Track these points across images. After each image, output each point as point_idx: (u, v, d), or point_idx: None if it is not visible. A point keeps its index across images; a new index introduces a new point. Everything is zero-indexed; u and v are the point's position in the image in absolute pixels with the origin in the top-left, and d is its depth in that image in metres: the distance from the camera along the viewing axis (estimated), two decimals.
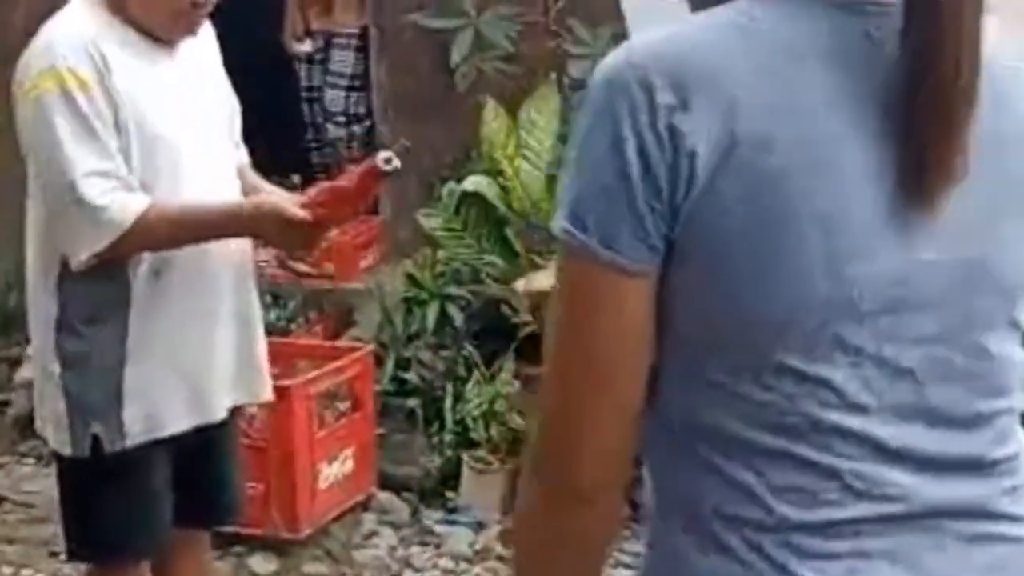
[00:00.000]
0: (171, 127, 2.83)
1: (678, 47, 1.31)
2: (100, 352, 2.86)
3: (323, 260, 5.25)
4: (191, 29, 2.87)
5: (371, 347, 4.78)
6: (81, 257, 2.77)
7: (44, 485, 4.73)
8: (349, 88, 6.00)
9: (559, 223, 1.33)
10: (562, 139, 4.96)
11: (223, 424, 3.04)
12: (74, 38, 2.75)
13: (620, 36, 5.27)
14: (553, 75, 5.10)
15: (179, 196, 2.85)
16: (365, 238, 5.55)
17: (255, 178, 3.13)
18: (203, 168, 2.90)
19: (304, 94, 6.23)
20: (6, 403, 5.42)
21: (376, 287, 5.26)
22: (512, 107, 4.96)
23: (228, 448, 3.15)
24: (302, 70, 6.02)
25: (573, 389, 1.33)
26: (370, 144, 5.97)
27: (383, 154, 2.91)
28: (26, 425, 5.11)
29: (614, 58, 1.32)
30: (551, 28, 5.35)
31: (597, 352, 1.32)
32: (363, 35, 5.93)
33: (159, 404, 2.90)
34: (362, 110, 6.02)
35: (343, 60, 6.00)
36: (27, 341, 5.63)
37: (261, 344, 3.12)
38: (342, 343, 5.01)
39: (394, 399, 5.00)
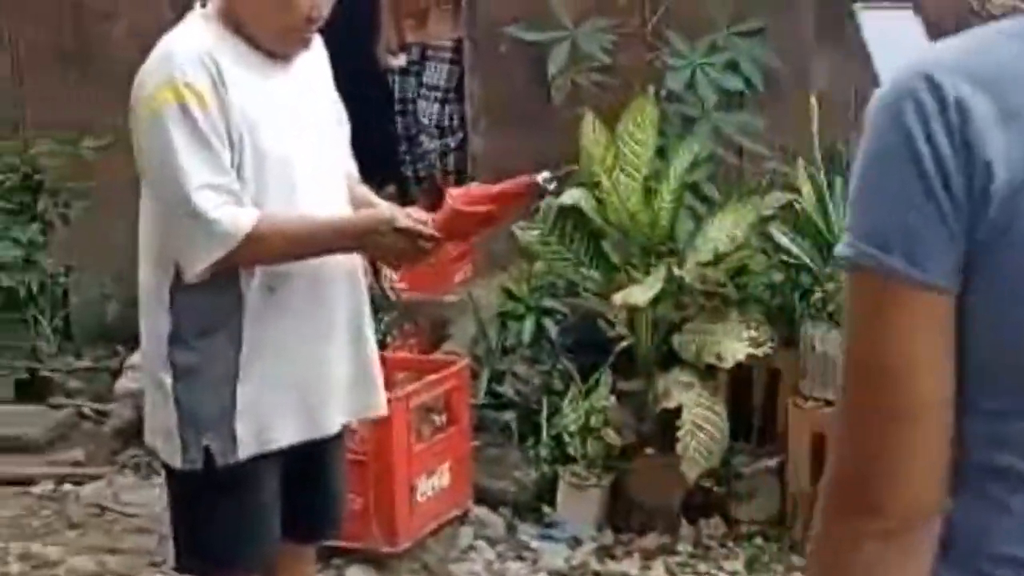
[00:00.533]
0: (284, 142, 2.85)
1: (970, 59, 1.26)
2: (213, 364, 2.88)
3: (415, 281, 5.22)
4: (304, 43, 2.89)
5: (467, 360, 4.77)
6: (195, 269, 2.79)
7: (146, 496, 4.77)
8: (443, 100, 6.00)
9: (854, 247, 1.28)
10: (660, 152, 4.93)
11: (334, 438, 3.04)
12: (191, 52, 2.77)
13: (718, 47, 5.23)
14: (651, 87, 5.05)
15: (292, 211, 2.87)
16: (459, 251, 5.54)
17: (365, 190, 3.13)
18: (316, 183, 2.92)
19: (397, 106, 6.23)
20: (106, 414, 5.46)
21: (471, 300, 5.24)
22: (609, 120, 4.93)
23: (337, 462, 3.16)
24: (395, 82, 6.03)
25: (883, 417, 1.28)
26: (463, 156, 5.96)
27: (545, 173, 2.93)
28: (128, 436, 5.18)
29: (901, 74, 1.28)
30: (648, 39, 5.31)
31: (909, 378, 1.27)
32: (457, 48, 5.92)
33: (272, 417, 2.91)
34: (455, 122, 6.01)
35: (437, 72, 6.01)
36: (128, 351, 5.76)
37: (374, 357, 3.13)
38: (438, 356, 4.99)
39: (489, 413, 4.99)
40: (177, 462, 2.91)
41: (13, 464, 5.13)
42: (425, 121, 5.94)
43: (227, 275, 2.83)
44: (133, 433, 5.15)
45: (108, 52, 6.02)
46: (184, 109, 2.72)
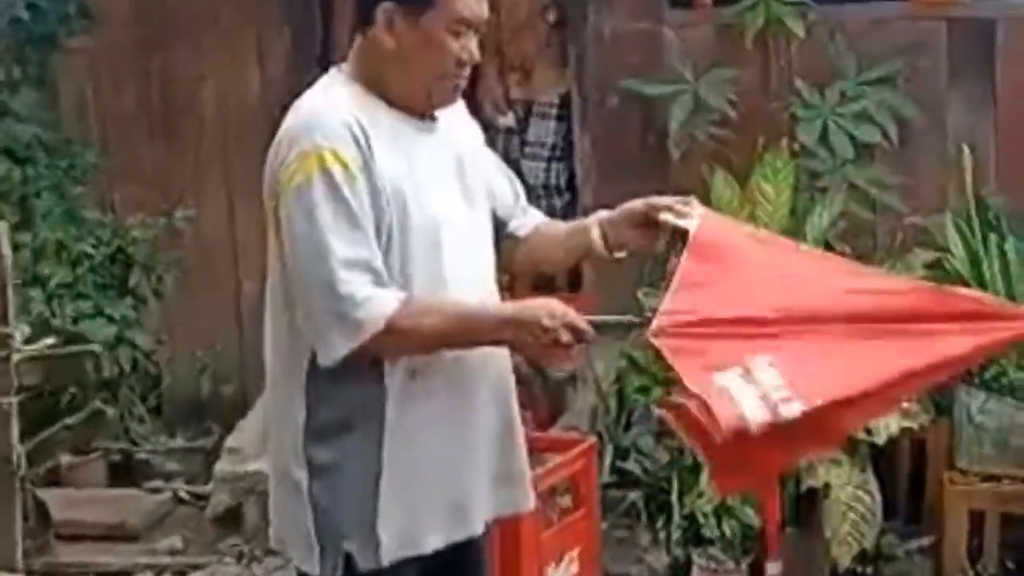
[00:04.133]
0: (431, 205, 2.64)
1: None
2: (353, 461, 2.64)
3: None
4: (455, 91, 2.68)
5: (593, 439, 4.46)
6: (333, 355, 2.53)
7: None
8: (549, 159, 5.73)
9: None
10: (794, 211, 4.61)
11: (479, 537, 2.79)
12: (335, 116, 2.56)
13: (848, 97, 4.92)
14: (784, 140, 4.74)
15: (439, 281, 2.63)
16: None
17: (568, 224, 2.88)
18: (463, 246, 2.70)
19: None
20: (203, 496, 5.21)
21: (591, 370, 4.93)
22: (736, 175, 4.63)
23: (481, 563, 2.89)
24: (500, 141, 5.77)
25: None
26: (572, 217, 5.67)
27: None
28: (227, 523, 4.94)
29: None
30: (772, 90, 5.01)
31: None
32: (563, 103, 5.66)
33: (417, 519, 2.67)
34: (562, 182, 5.74)
35: (542, 130, 5.74)
36: (222, 430, 5.54)
37: (522, 450, 2.89)
38: (561, 433, 4.70)
39: (614, 491, 4.73)
40: (315, 569, 2.65)
41: (112, 554, 4.96)
42: (531, 181, 5.66)
43: (367, 363, 2.57)
44: (233, 520, 4.94)
45: (196, 118, 5.84)
46: (330, 178, 2.50)
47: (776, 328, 2.56)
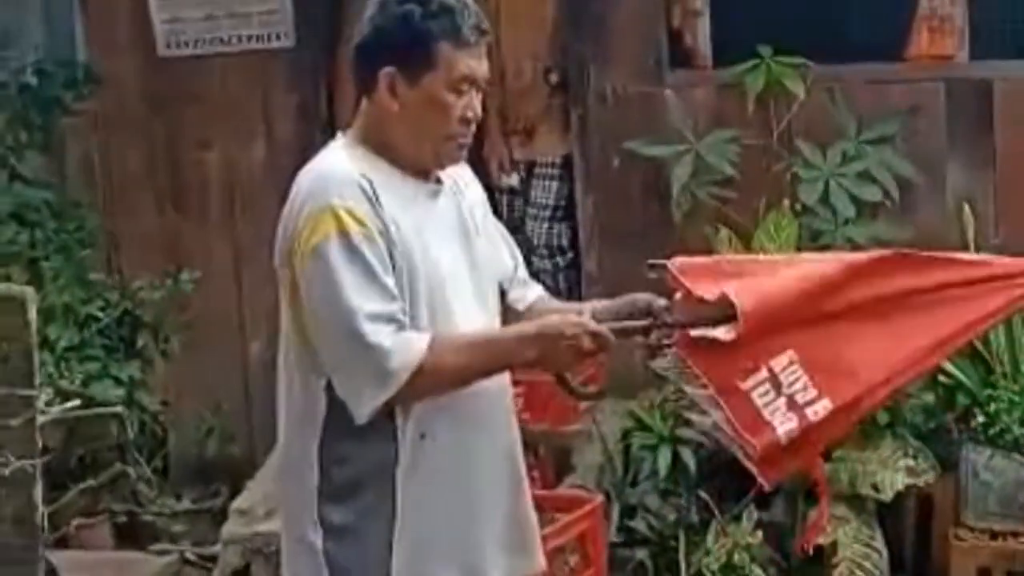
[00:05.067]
0: (438, 265, 2.67)
1: None
2: (367, 522, 2.67)
3: (537, 410, 4.92)
4: (461, 150, 2.73)
5: (600, 498, 4.47)
6: (371, 408, 2.57)
7: None
8: (551, 219, 5.76)
9: None
10: None
11: None
12: (345, 175, 2.61)
13: (849, 156, 4.97)
14: (786, 200, 4.78)
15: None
16: (583, 378, 5.25)
17: (562, 305, 2.93)
18: (470, 312, 2.74)
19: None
20: (210, 558, 5.19)
21: (596, 429, 4.95)
22: (739, 235, 4.67)
23: None
24: (503, 201, 5.81)
25: None
26: (575, 275, 5.71)
27: None
28: None
29: None
30: (774, 150, 5.06)
31: None
32: (565, 164, 5.70)
33: None
34: (564, 242, 5.77)
35: (545, 191, 5.77)
36: (229, 490, 5.54)
37: (531, 509, 2.91)
38: (567, 491, 4.70)
39: (622, 550, 4.72)
40: None
41: None
42: (535, 241, 5.70)
43: (382, 424, 2.60)
44: None
45: (202, 182, 5.89)
46: (346, 236, 2.53)
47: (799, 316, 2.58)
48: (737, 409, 2.55)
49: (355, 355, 2.53)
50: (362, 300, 2.52)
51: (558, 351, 2.60)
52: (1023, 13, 5.10)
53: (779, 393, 2.54)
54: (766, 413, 2.53)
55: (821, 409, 2.51)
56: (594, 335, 2.59)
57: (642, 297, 2.73)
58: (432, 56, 2.61)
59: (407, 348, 2.53)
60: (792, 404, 2.52)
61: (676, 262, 2.74)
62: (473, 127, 2.71)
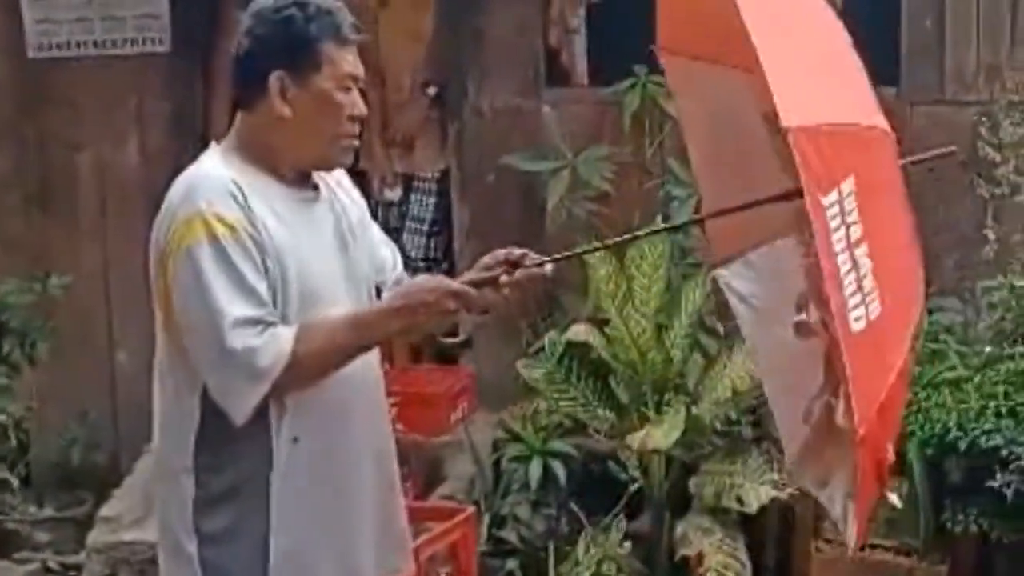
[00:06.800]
0: (311, 283, 2.68)
1: None
2: (243, 526, 2.68)
3: (409, 421, 4.93)
4: (350, 150, 2.75)
5: (472, 509, 4.51)
6: (247, 408, 2.57)
7: None
8: (429, 233, 5.79)
9: None
10: (669, 287, 4.73)
11: None
12: (216, 181, 2.62)
13: None
14: (659, 217, 4.87)
15: None
16: (455, 390, 5.29)
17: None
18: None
19: None
20: (73, 567, 5.12)
21: (468, 440, 4.99)
22: (615, 252, 4.75)
23: None
24: (380, 212, 5.81)
25: None
26: None
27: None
28: None
29: None
30: (647, 168, 5.15)
31: None
32: (443, 178, 5.74)
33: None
34: (440, 254, 5.80)
35: (423, 206, 5.80)
36: (95, 498, 5.45)
37: (403, 511, 2.96)
38: (441, 503, 4.73)
39: (492, 560, 4.75)
40: None
41: None
42: (412, 254, 5.72)
43: (253, 430, 2.61)
44: None
45: (73, 186, 5.80)
46: (215, 240, 2.54)
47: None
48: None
49: (226, 358, 2.54)
50: (230, 305, 2.53)
51: (423, 316, 2.63)
52: None
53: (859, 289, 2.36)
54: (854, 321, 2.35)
55: (874, 311, 2.35)
56: (455, 294, 2.63)
57: (499, 252, 2.77)
58: (318, 56, 2.65)
59: (275, 342, 2.54)
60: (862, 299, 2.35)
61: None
62: (359, 126, 2.74)
